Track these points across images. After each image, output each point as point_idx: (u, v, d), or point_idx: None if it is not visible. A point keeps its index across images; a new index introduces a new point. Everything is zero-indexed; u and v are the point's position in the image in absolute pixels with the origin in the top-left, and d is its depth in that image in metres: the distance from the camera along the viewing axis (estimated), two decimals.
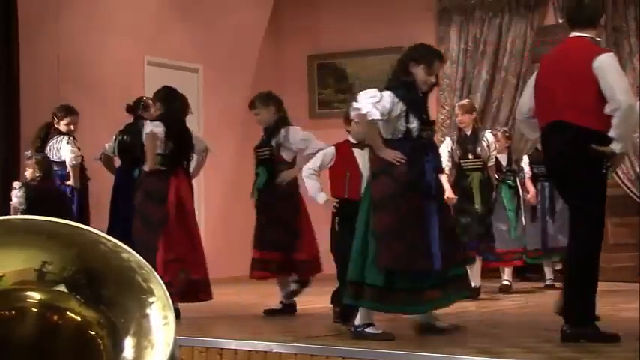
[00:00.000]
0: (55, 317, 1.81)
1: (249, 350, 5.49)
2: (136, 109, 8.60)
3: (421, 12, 10.72)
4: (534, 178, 9.26)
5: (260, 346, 5.49)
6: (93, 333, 1.80)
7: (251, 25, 11.26)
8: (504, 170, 8.87)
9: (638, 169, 9.75)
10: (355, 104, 5.64)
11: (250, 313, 7.21)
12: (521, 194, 9.01)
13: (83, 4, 9.50)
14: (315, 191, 6.54)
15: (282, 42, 11.63)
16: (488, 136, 8.40)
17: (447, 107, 10.47)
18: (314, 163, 6.62)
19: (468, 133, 8.35)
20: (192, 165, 7.47)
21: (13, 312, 1.80)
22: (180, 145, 7.23)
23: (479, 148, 8.25)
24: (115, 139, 8.53)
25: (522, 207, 8.95)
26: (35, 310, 1.81)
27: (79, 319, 1.81)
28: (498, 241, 8.50)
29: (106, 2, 9.72)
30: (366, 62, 11.12)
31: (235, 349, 5.54)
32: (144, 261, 1.78)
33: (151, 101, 8.16)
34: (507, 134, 9.10)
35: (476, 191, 8.16)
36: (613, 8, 9.58)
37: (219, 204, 9.87)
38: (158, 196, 7.08)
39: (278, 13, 11.57)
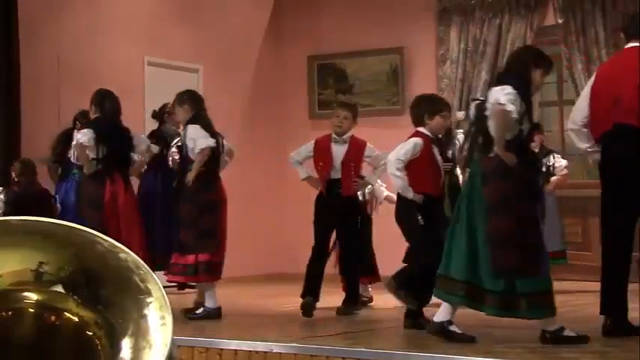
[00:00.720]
0: (53, 318, 1.80)
1: (249, 351, 5.49)
2: (161, 115, 8.90)
3: (421, 12, 10.72)
4: None
5: (260, 346, 5.49)
6: (90, 333, 1.79)
7: (251, 25, 11.26)
8: None
9: None
10: (499, 99, 5.34)
11: (250, 314, 7.21)
12: None
13: (83, 4, 9.50)
14: (405, 188, 6.33)
15: (282, 42, 11.63)
16: (460, 137, 8.08)
17: None
18: (404, 154, 6.35)
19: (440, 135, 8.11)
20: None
21: (10, 313, 1.80)
22: (115, 148, 7.31)
23: (450, 151, 7.73)
24: None
25: None
26: (32, 310, 1.80)
27: (76, 319, 1.80)
28: None
29: (107, 3, 9.72)
30: (366, 62, 11.12)
31: (235, 350, 5.55)
32: (141, 261, 1.78)
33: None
34: None
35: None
36: (613, 8, 9.58)
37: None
38: (93, 199, 7.21)
39: (278, 14, 11.57)
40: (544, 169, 8.63)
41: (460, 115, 6.24)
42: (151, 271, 1.78)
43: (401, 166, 6.30)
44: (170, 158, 8.64)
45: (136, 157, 7.60)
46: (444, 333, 5.45)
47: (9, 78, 8.62)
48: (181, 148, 7.40)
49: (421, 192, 6.32)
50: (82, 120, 8.28)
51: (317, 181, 7.19)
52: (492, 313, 5.46)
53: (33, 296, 1.79)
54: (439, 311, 5.53)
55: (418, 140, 6.37)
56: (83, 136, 7.24)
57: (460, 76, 10.42)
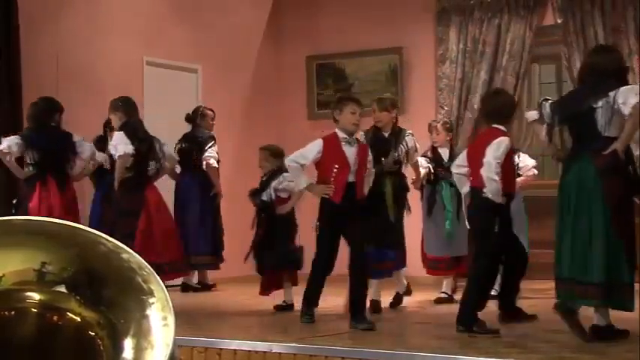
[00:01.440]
0: (55, 318, 1.81)
1: (249, 350, 5.49)
2: (194, 118, 9.26)
3: (420, 12, 10.71)
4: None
5: (259, 346, 5.49)
6: (93, 334, 1.80)
7: (250, 25, 11.26)
8: (446, 166, 7.83)
9: None
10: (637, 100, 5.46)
11: (250, 313, 7.21)
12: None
13: (82, 3, 9.49)
14: (499, 192, 5.98)
15: (281, 42, 11.63)
16: (408, 140, 7.54)
17: (445, 107, 10.47)
18: (501, 156, 5.97)
19: (387, 134, 7.52)
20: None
21: (13, 312, 1.80)
22: (48, 153, 7.56)
23: (397, 153, 7.45)
24: (175, 147, 9.08)
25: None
26: (35, 310, 1.80)
27: (78, 319, 1.80)
28: (433, 248, 8.01)
29: (106, 3, 9.71)
30: (365, 63, 11.12)
31: (235, 350, 5.55)
32: (144, 262, 1.78)
33: (208, 111, 9.24)
34: (448, 125, 8.33)
35: (389, 197, 7.29)
36: (612, 8, 9.58)
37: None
38: (24, 203, 7.46)
39: (277, 14, 11.57)
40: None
41: (532, 114, 5.98)
42: (153, 271, 1.79)
43: (500, 169, 5.95)
44: (204, 162, 8.90)
45: (78, 162, 7.79)
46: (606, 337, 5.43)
47: (9, 77, 8.61)
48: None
49: (504, 193, 6.02)
50: (109, 126, 8.53)
51: (322, 187, 6.50)
52: (600, 304, 5.51)
53: (35, 296, 1.80)
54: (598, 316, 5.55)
55: (507, 139, 6.04)
56: (4, 143, 7.51)
57: (459, 76, 10.42)
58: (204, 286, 9.20)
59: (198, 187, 9.08)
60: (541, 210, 8.65)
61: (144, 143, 7.66)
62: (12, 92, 8.53)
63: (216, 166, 8.98)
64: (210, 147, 9.05)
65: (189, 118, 9.31)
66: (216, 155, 9.05)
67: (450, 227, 7.84)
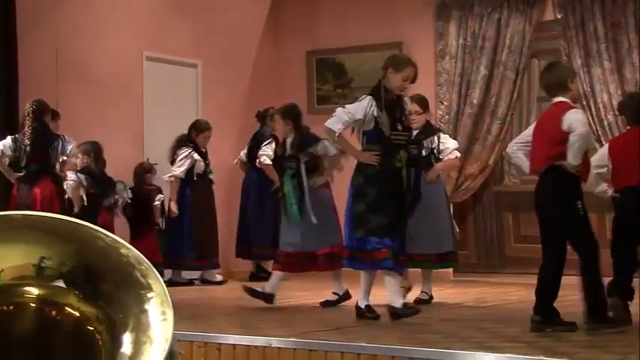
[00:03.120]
0: (54, 313, 1.81)
1: (248, 345, 5.49)
2: (263, 117, 10.00)
3: (420, 7, 10.71)
4: None
5: (259, 341, 5.49)
6: (91, 328, 1.80)
7: (250, 20, 11.25)
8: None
9: None
10: None
11: (249, 308, 7.21)
12: None
13: None
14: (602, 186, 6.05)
15: (280, 37, 11.62)
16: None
17: (445, 102, 10.47)
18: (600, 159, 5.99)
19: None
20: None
21: (12, 307, 1.80)
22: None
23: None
24: (247, 146, 10.06)
25: None
26: (34, 305, 1.81)
27: (77, 314, 1.80)
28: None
29: None
30: (364, 58, 11.11)
31: (234, 344, 5.54)
32: (142, 257, 1.78)
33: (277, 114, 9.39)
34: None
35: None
36: (612, 3, 9.57)
37: (220, 199, 9.87)
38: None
39: (277, 9, 11.56)
40: (425, 152, 7.48)
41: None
42: (152, 266, 1.79)
43: (598, 172, 5.98)
44: (257, 160, 9.40)
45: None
46: None
47: (8, 75, 8.62)
48: None
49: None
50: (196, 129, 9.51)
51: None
52: None
53: (34, 291, 1.80)
54: None
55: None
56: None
57: (459, 71, 10.42)
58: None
59: (257, 182, 9.83)
60: None
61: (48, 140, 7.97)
62: (9, 92, 8.55)
63: (268, 163, 9.26)
64: (265, 145, 9.44)
65: (259, 115, 10.09)
66: (270, 153, 9.30)
67: None
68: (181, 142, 9.49)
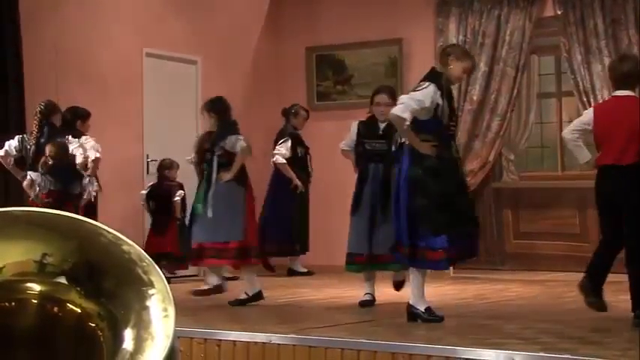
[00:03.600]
0: (55, 309, 1.81)
1: (248, 342, 5.49)
2: (288, 114, 9.94)
3: (420, 4, 10.70)
4: None
5: (259, 337, 5.49)
6: (93, 325, 1.80)
7: (249, 16, 11.24)
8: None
9: None
10: None
11: (249, 305, 7.22)
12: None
13: None
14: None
15: (280, 34, 11.62)
16: None
17: None
18: None
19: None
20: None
21: (13, 304, 1.80)
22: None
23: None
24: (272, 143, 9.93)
25: None
26: (35, 301, 1.81)
27: (79, 311, 1.81)
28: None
29: None
30: (364, 54, 11.11)
31: (234, 341, 5.55)
32: (144, 253, 1.78)
33: (302, 110, 9.91)
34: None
35: None
36: (612, 0, 9.57)
37: None
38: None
39: (276, 5, 11.56)
40: (395, 147, 7.01)
41: None
42: (153, 263, 1.79)
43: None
44: (272, 159, 9.60)
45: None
46: None
47: (15, 68, 8.62)
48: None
49: None
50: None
51: None
52: None
53: (36, 287, 1.80)
54: None
55: None
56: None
57: None
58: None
59: (275, 179, 9.83)
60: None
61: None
62: (4, 90, 8.55)
63: (281, 162, 9.47)
64: (280, 143, 9.59)
65: (284, 112, 10.01)
66: (284, 152, 9.50)
67: None
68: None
